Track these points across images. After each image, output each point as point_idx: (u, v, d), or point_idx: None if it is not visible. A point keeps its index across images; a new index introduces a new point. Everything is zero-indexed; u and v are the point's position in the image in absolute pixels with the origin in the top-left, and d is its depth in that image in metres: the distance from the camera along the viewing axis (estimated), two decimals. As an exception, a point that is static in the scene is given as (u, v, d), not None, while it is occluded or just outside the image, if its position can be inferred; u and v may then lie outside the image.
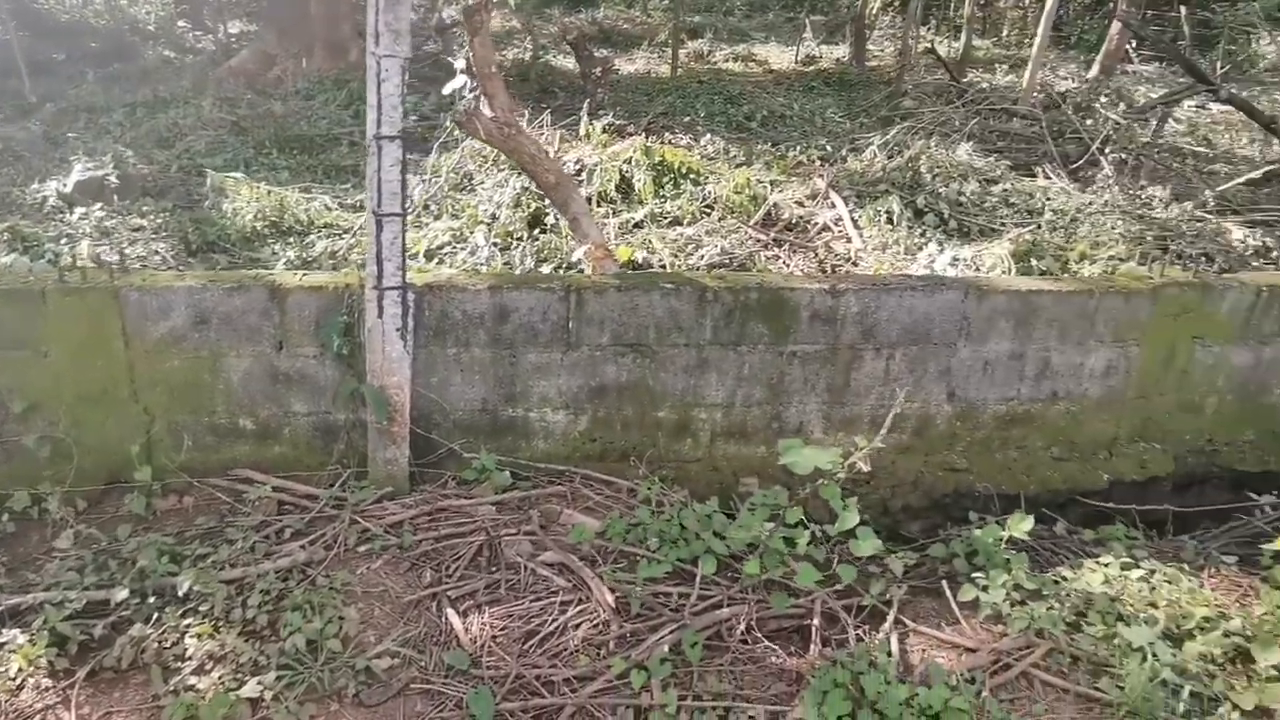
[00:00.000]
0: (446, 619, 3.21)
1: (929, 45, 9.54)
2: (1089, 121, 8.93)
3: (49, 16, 12.84)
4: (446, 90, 4.02)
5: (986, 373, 4.26)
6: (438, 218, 5.99)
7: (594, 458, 4.15)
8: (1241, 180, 7.06)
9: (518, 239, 5.61)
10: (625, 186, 6.26)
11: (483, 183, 6.38)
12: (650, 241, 5.62)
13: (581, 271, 4.63)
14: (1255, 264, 6.16)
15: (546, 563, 3.49)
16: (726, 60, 12.98)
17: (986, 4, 19.10)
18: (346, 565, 3.43)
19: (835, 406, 4.20)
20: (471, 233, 5.69)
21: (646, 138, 7.86)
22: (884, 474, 4.38)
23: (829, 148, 7.89)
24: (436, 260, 5.43)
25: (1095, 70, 10.27)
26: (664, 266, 5.40)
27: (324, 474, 3.92)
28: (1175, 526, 4.36)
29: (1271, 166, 7.82)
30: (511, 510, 3.81)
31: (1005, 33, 17.72)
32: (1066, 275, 5.43)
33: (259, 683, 2.85)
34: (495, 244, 5.54)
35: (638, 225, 5.89)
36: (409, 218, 5.74)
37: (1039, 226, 6.30)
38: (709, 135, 7.98)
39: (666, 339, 3.97)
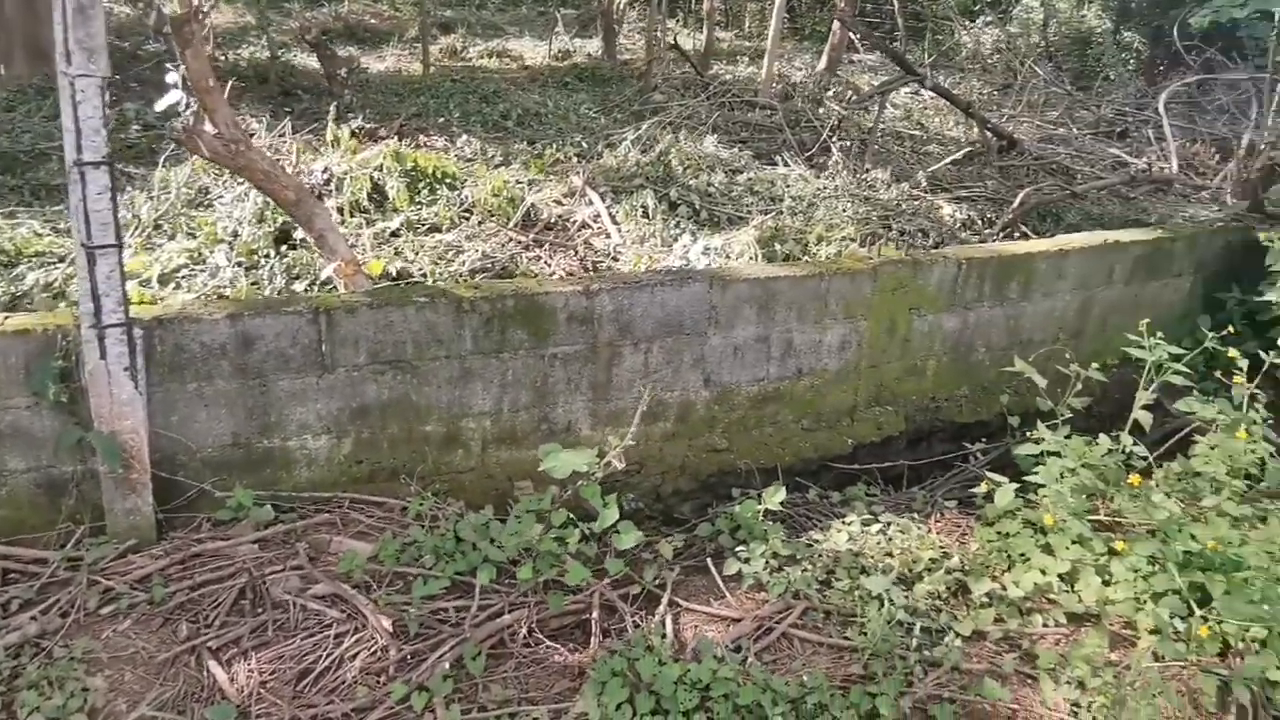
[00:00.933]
0: (209, 672, 3.04)
1: (673, 40, 9.95)
2: (820, 110, 9.71)
3: None
4: (159, 107, 3.74)
5: (737, 357, 4.57)
6: (172, 238, 5.55)
7: (363, 480, 4.06)
8: (947, 161, 7.95)
9: (264, 256, 5.31)
10: (379, 194, 6.09)
11: (221, 197, 5.98)
12: (406, 251, 5.52)
13: (334, 290, 4.48)
14: (963, 235, 6.97)
15: (317, 596, 3.38)
16: (481, 57, 12.88)
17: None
18: (88, 631, 3.16)
19: (600, 403, 4.35)
20: (211, 253, 5.33)
21: (399, 141, 7.69)
22: (653, 462, 4.59)
23: (585, 144, 8.06)
24: (173, 285, 5.04)
25: (824, 63, 11.14)
26: (423, 276, 5.32)
27: (54, 534, 3.57)
28: (909, 479, 4.89)
29: (971, 147, 8.85)
30: (277, 546, 3.65)
31: (746, 25, 18.78)
32: (804, 259, 5.90)
33: (-10, 777, 2.59)
34: (239, 264, 5.22)
35: (394, 234, 5.75)
36: (139, 239, 5.31)
37: (780, 213, 6.78)
38: (465, 136, 7.91)
39: (427, 353, 3.94)
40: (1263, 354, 4.23)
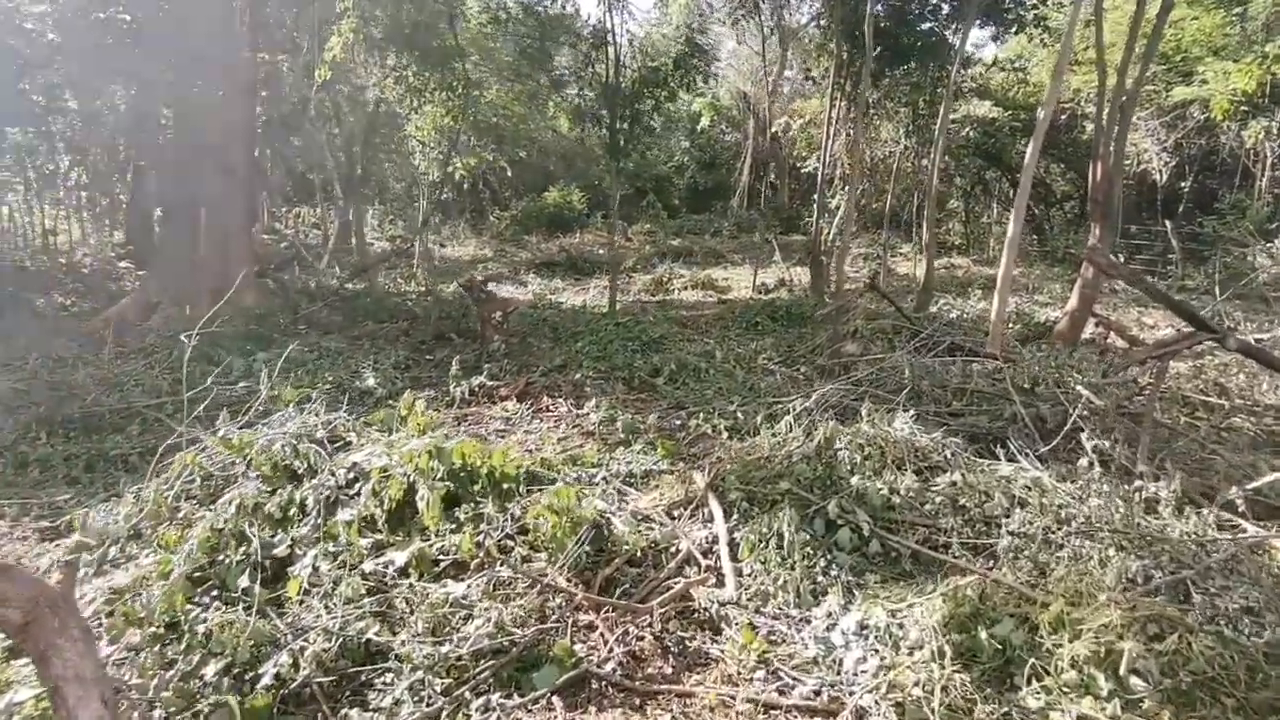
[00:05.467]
0: None
1: (870, 280, 7.50)
2: (1070, 367, 6.71)
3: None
4: None
5: None
6: None
7: None
8: (1274, 478, 4.62)
9: None
10: (412, 504, 4.12)
11: None
12: (399, 605, 3.43)
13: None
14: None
15: None
16: (685, 288, 11.25)
17: (968, 220, 17.44)
18: None
19: None
20: None
21: (519, 402, 5.86)
22: None
23: (740, 414, 5.76)
24: None
25: (1074, 301, 8.11)
26: (397, 663, 3.16)
27: None
28: None
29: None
30: None
31: (990, 248, 15.94)
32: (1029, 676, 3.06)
33: None
34: None
35: (403, 572, 3.71)
36: None
37: (996, 556, 3.97)
38: (595, 399, 5.95)
39: None
40: None
